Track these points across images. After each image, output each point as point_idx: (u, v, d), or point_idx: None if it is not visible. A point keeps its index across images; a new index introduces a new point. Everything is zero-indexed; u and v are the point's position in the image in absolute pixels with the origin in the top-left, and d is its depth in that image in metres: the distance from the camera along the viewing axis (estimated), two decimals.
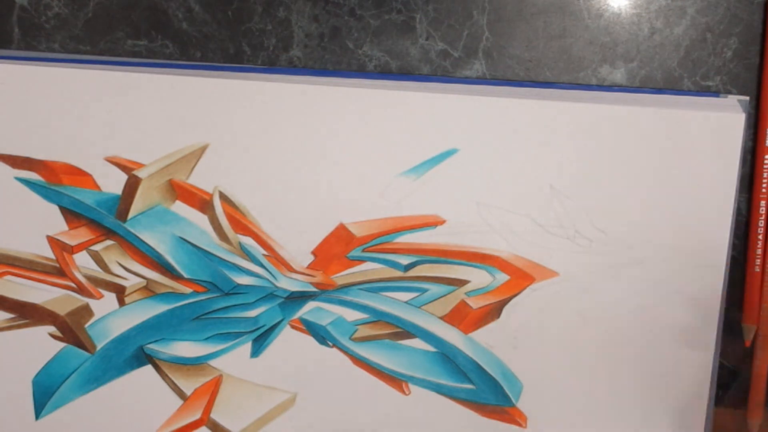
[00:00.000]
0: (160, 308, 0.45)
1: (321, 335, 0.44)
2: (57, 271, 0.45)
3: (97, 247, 0.44)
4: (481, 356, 0.43)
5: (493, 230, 0.42)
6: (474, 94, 0.41)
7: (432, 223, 0.42)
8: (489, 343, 0.43)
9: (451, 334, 0.43)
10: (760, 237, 0.42)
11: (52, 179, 0.44)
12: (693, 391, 0.42)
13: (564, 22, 0.42)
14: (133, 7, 0.44)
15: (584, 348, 0.43)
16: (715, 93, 0.42)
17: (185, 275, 0.44)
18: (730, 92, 0.42)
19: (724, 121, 0.40)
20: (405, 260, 0.43)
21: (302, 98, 0.42)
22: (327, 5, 0.43)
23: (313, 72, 0.43)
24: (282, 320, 0.44)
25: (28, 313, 0.45)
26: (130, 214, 0.44)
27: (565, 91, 0.42)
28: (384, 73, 0.43)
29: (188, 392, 0.45)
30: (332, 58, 0.43)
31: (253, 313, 0.44)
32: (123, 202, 0.44)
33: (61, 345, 0.45)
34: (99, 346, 0.45)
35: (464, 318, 0.43)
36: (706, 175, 0.41)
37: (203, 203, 0.43)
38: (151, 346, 0.45)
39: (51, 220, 0.44)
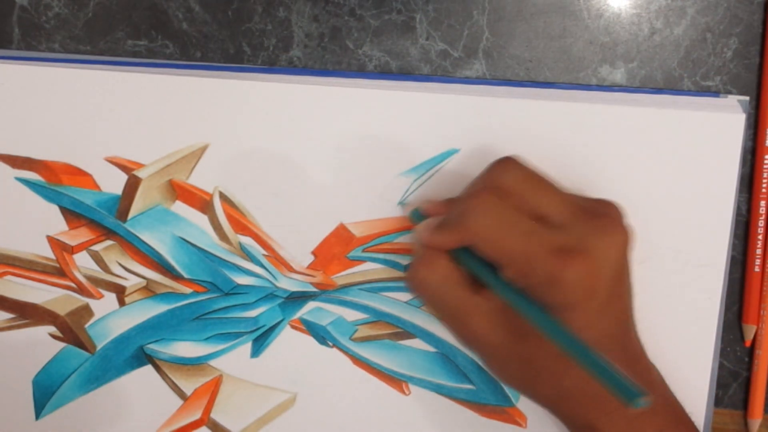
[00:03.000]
0: (160, 308, 0.45)
1: (321, 335, 0.44)
2: (57, 271, 0.45)
3: (97, 247, 0.44)
4: None
5: None
6: (474, 94, 0.41)
7: None
8: None
9: (451, 335, 0.43)
10: (760, 237, 0.42)
11: (52, 179, 0.44)
12: (693, 392, 0.42)
13: (564, 22, 0.42)
14: (133, 7, 0.44)
15: None
16: (715, 93, 0.42)
17: (185, 275, 0.44)
18: (730, 92, 0.42)
19: (724, 121, 0.40)
20: (405, 260, 0.43)
21: (302, 98, 0.42)
22: (327, 5, 0.43)
23: (313, 72, 0.43)
24: (282, 320, 0.44)
25: (28, 313, 0.45)
26: (130, 214, 0.44)
27: (565, 91, 0.42)
28: (384, 73, 0.43)
29: (188, 392, 0.45)
30: (332, 58, 0.43)
31: (253, 313, 0.44)
32: (123, 202, 0.44)
33: (61, 345, 0.45)
34: (99, 346, 0.45)
35: None
36: (706, 175, 0.41)
37: (203, 203, 0.43)
38: (151, 346, 0.45)
39: (51, 220, 0.44)
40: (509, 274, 0.34)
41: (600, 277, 0.33)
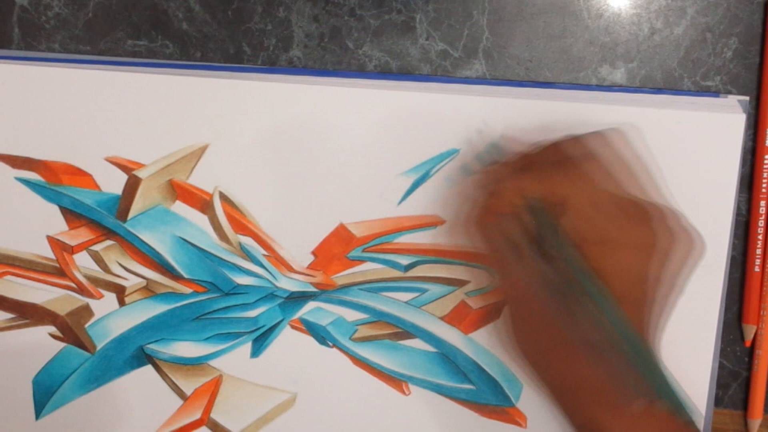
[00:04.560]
0: (160, 308, 0.45)
1: (321, 335, 0.44)
2: (57, 271, 0.45)
3: (97, 247, 0.44)
4: (482, 356, 0.43)
5: None
6: (474, 94, 0.41)
7: (432, 223, 0.42)
8: (489, 343, 0.43)
9: (451, 334, 0.43)
10: (760, 237, 0.42)
11: (52, 179, 0.44)
12: (693, 392, 0.42)
13: (564, 22, 0.42)
14: (133, 7, 0.44)
15: None
16: (715, 93, 0.42)
17: (185, 275, 0.44)
18: (730, 92, 0.42)
19: (724, 121, 0.40)
20: (405, 260, 0.43)
21: (302, 98, 0.42)
22: (327, 5, 0.43)
23: (313, 72, 0.43)
24: (282, 320, 0.44)
25: (28, 313, 0.45)
26: (130, 214, 0.44)
27: (565, 91, 0.42)
28: (384, 73, 0.43)
29: (188, 392, 0.45)
30: (332, 58, 0.43)
31: (253, 313, 0.44)
32: (123, 202, 0.44)
33: (61, 345, 0.45)
34: (99, 346, 0.45)
35: (464, 318, 0.43)
36: (706, 175, 0.41)
37: (203, 203, 0.43)
38: (151, 346, 0.45)
39: (51, 220, 0.44)
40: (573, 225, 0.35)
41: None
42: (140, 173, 0.43)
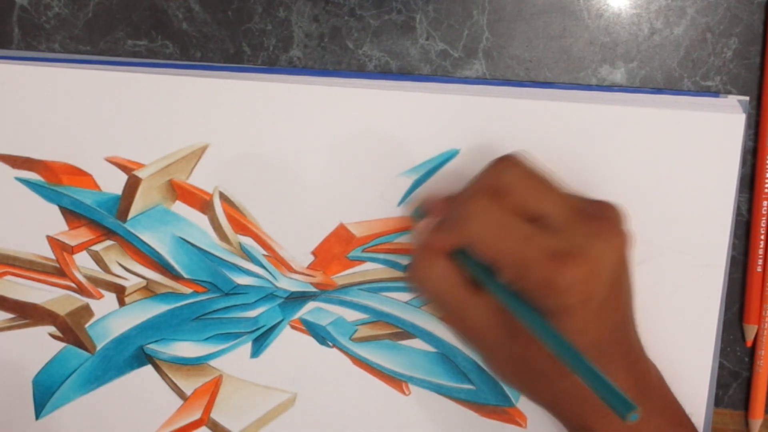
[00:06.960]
0: (160, 308, 0.45)
1: (321, 335, 0.44)
2: (57, 271, 0.45)
3: (97, 247, 0.44)
4: None
5: None
6: (474, 94, 0.41)
7: None
8: None
9: (451, 335, 0.43)
10: (762, 237, 0.42)
11: (52, 179, 0.44)
12: (693, 392, 0.42)
13: (564, 22, 0.42)
14: (133, 7, 0.44)
15: None
16: (715, 93, 0.42)
17: (185, 275, 0.44)
18: (730, 92, 0.42)
19: (724, 121, 0.40)
20: (405, 260, 0.43)
21: (302, 98, 0.42)
22: (327, 5, 0.43)
23: (313, 72, 0.43)
24: (282, 320, 0.44)
25: (28, 313, 0.45)
26: (130, 214, 0.44)
27: (565, 91, 0.42)
28: (384, 73, 0.43)
29: (188, 392, 0.45)
30: (332, 58, 0.43)
31: (253, 313, 0.44)
32: (123, 202, 0.44)
33: (61, 345, 0.45)
34: (99, 346, 0.45)
35: None
36: (706, 175, 0.41)
37: (203, 203, 0.43)
38: (151, 346, 0.45)
39: (51, 220, 0.44)
40: (505, 276, 0.34)
41: (596, 281, 0.33)
42: (140, 173, 0.43)
